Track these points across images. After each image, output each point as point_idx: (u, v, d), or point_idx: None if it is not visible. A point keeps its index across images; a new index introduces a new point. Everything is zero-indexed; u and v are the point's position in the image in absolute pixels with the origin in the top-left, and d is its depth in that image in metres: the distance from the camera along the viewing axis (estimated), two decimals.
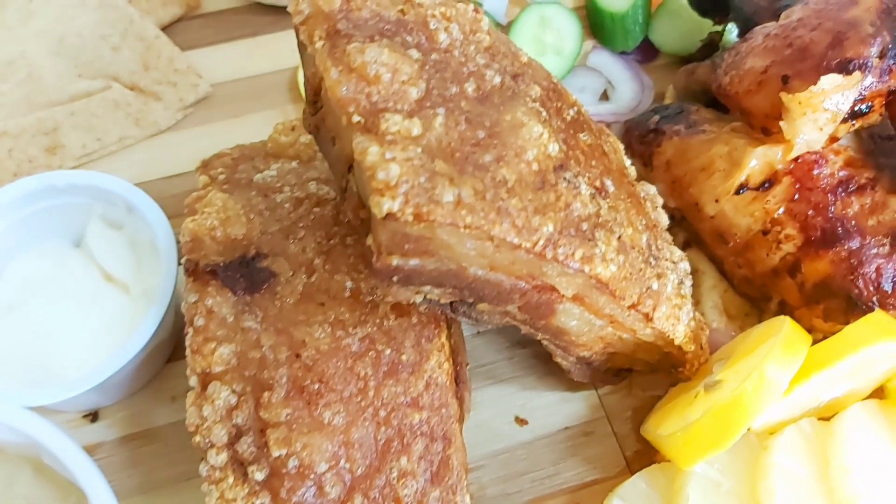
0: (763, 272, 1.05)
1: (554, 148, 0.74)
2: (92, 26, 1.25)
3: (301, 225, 0.87)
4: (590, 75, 1.31)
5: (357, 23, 0.69)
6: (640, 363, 1.02)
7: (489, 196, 0.67)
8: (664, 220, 1.02)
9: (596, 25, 1.37)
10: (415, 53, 0.70)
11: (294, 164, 0.94)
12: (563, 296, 0.79)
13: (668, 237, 1.02)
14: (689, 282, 0.98)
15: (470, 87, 0.72)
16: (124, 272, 1.03)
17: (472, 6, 0.79)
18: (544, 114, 0.78)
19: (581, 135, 0.85)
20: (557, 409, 1.06)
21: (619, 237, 0.80)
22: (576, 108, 0.90)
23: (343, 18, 0.69)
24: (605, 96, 1.32)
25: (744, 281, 1.10)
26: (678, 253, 0.96)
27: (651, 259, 0.86)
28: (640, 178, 1.18)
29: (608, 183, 0.84)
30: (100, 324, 1.00)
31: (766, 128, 1.00)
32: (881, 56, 0.92)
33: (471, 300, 0.78)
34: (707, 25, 1.31)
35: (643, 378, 1.08)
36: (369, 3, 0.70)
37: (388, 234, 0.66)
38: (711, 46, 1.31)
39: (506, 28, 1.34)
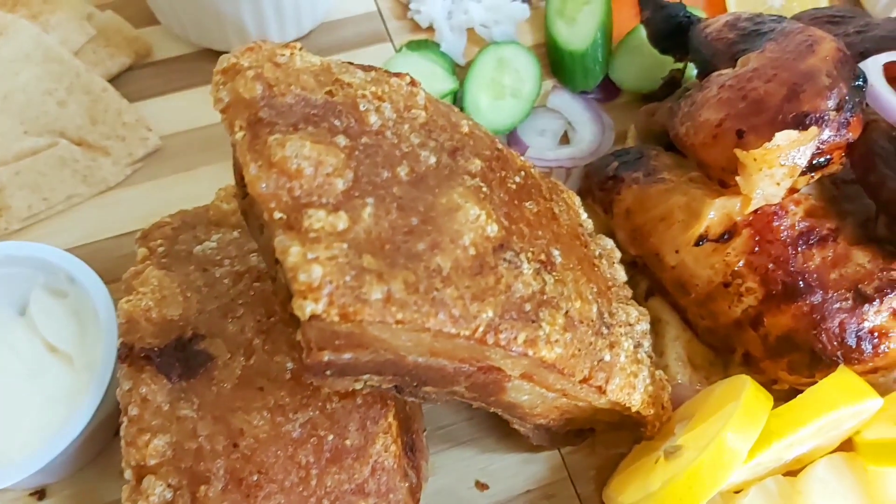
0: (726, 324, 1.03)
1: (493, 228, 0.71)
2: (37, 81, 1.22)
3: (240, 302, 0.84)
4: (550, 117, 1.29)
5: (281, 109, 0.66)
6: (602, 424, 0.99)
7: (423, 287, 0.65)
8: (621, 275, 0.99)
9: (556, 64, 1.34)
10: (342, 140, 0.67)
11: (236, 233, 0.90)
12: (510, 375, 0.76)
13: (627, 292, 1.00)
14: (647, 342, 0.95)
15: (403, 171, 0.69)
16: (68, 343, 1.00)
17: (408, 79, 0.76)
18: (485, 189, 0.76)
19: (527, 203, 0.82)
20: (519, 470, 1.03)
21: (567, 312, 0.77)
22: (523, 173, 0.87)
23: (265, 106, 0.65)
24: (566, 138, 1.29)
25: (707, 332, 1.08)
26: (634, 314, 0.93)
27: (603, 329, 0.83)
28: (601, 224, 1.16)
29: (555, 253, 0.81)
30: (44, 398, 0.97)
31: (723, 181, 0.97)
32: (838, 109, 0.90)
33: (414, 384, 0.75)
34: (668, 62, 1.28)
35: (607, 436, 1.05)
36: (294, 88, 0.67)
37: (316, 331, 0.63)
38: (673, 84, 1.29)
39: (464, 69, 1.31)
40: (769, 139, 0.89)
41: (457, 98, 1.25)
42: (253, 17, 1.22)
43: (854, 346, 0.95)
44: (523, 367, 0.75)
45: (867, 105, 0.98)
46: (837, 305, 0.95)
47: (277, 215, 0.62)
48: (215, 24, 1.23)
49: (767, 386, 1.06)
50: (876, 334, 0.94)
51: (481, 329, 0.68)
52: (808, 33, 0.97)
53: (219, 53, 1.32)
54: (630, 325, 0.92)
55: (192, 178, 1.21)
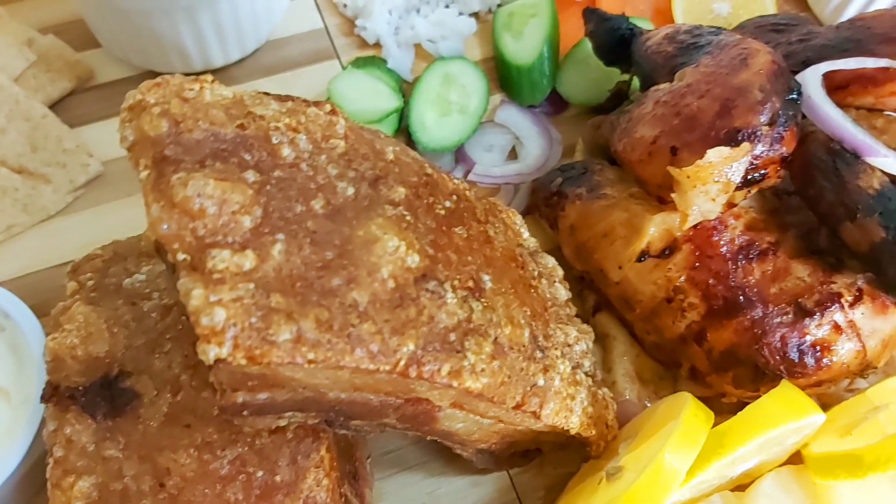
0: (671, 339, 1.02)
1: (414, 259, 0.70)
2: None
3: (168, 336, 0.82)
4: (498, 132, 1.28)
5: (188, 146, 0.64)
6: (548, 444, 0.98)
7: (337, 324, 0.63)
8: (562, 294, 0.98)
9: (503, 79, 1.33)
10: (252, 175, 0.65)
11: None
12: (440, 406, 0.75)
13: (569, 311, 0.99)
14: (588, 362, 0.94)
15: (318, 204, 0.68)
16: (4, 378, 0.98)
17: (327, 108, 0.75)
18: (409, 217, 0.75)
19: (457, 229, 0.81)
20: (467, 493, 1.02)
21: (495, 339, 0.76)
22: (455, 197, 0.86)
23: (172, 143, 0.64)
24: (515, 153, 1.28)
25: (654, 347, 1.07)
26: (574, 333, 0.92)
27: (536, 353, 0.82)
28: (549, 240, 1.16)
29: (486, 278, 0.80)
30: None
31: (660, 197, 0.96)
32: (771, 123, 0.89)
33: (342, 419, 0.74)
34: (615, 74, 1.28)
35: (555, 455, 1.04)
36: (202, 123, 0.65)
37: (226, 374, 0.62)
38: (620, 96, 1.29)
39: (412, 85, 1.30)
40: (702, 156, 0.88)
41: (403, 116, 1.24)
42: (193, 40, 1.21)
43: (797, 360, 0.94)
44: (451, 397, 0.74)
45: (804, 117, 0.98)
46: (778, 320, 0.94)
47: (181, 256, 0.60)
48: (155, 47, 1.22)
49: (716, 399, 1.06)
50: (818, 348, 0.94)
51: (403, 363, 0.67)
52: (742, 46, 0.97)
53: (162, 75, 1.32)
54: (568, 345, 0.91)
55: (135, 204, 1.17)
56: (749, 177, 0.91)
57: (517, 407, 0.79)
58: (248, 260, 0.61)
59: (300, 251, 0.64)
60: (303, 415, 0.72)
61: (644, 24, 1.33)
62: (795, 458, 0.99)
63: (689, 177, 0.89)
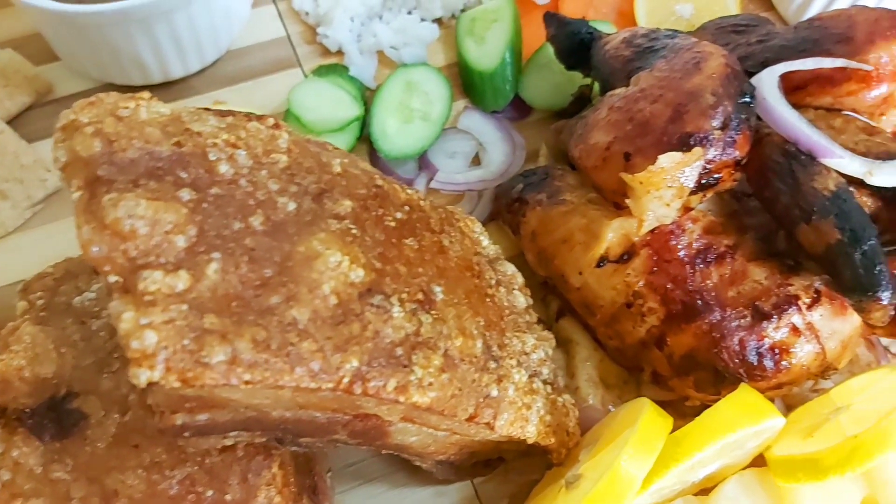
0: (632, 344, 1.02)
1: (358, 273, 0.70)
2: None
3: (116, 356, 0.81)
4: (461, 138, 1.27)
5: (122, 165, 0.64)
6: (510, 453, 0.98)
7: (275, 344, 0.63)
8: (521, 302, 0.98)
9: (467, 84, 1.33)
10: (187, 194, 0.64)
11: None
12: (390, 420, 0.74)
13: (530, 318, 0.99)
14: (546, 369, 0.94)
15: (257, 221, 0.67)
16: None
17: (270, 121, 0.74)
18: (355, 230, 0.74)
19: (408, 240, 0.81)
20: None
21: (445, 352, 0.75)
22: (407, 208, 0.85)
23: (105, 163, 0.63)
24: (479, 159, 1.28)
25: (616, 351, 1.07)
26: (531, 341, 0.92)
27: (490, 363, 0.82)
28: (513, 245, 1.15)
29: (437, 290, 0.79)
30: None
31: (616, 203, 0.96)
32: (724, 127, 0.89)
33: (289, 437, 0.74)
34: (578, 78, 1.27)
35: (519, 462, 1.03)
36: (136, 142, 0.65)
37: (163, 396, 0.61)
38: (582, 100, 1.28)
39: (375, 92, 1.29)
40: (654, 161, 0.88)
41: (365, 124, 1.23)
42: (150, 52, 1.20)
43: (756, 364, 0.94)
44: (401, 411, 0.74)
45: (760, 119, 0.98)
46: (736, 323, 0.94)
47: (113, 279, 0.59)
48: (113, 61, 1.21)
49: (679, 403, 1.05)
50: (777, 350, 0.94)
51: (347, 380, 0.67)
52: (696, 50, 0.97)
53: (121, 88, 1.31)
54: (525, 353, 0.91)
55: None
56: (703, 181, 0.91)
57: (470, 419, 0.79)
58: (181, 280, 0.60)
59: (237, 269, 0.64)
60: (248, 434, 0.71)
61: (606, 28, 1.33)
62: (760, 461, 0.99)
63: (641, 183, 0.88)
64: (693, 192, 0.92)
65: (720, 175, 0.92)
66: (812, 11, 1.40)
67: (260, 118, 0.75)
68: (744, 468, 0.99)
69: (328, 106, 1.19)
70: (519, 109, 1.31)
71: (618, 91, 1.00)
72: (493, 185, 1.22)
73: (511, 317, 0.94)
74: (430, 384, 0.72)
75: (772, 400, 1.04)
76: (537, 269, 1.12)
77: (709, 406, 0.94)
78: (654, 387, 1.07)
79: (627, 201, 0.93)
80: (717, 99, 0.89)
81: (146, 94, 0.71)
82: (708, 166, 0.89)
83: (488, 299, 0.89)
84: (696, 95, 0.89)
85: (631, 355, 1.04)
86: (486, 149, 1.27)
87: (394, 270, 0.75)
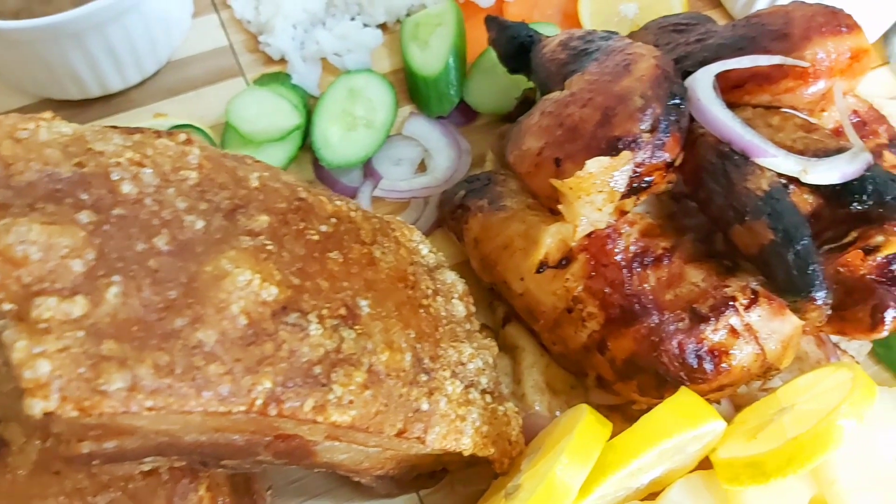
0: (575, 349, 1.01)
1: (271, 292, 0.68)
2: None
3: None
4: (406, 145, 1.26)
5: (20, 188, 0.62)
6: (453, 464, 0.96)
7: (179, 368, 0.61)
8: (460, 310, 0.97)
9: (412, 90, 1.31)
10: (85, 217, 0.63)
11: None
12: (314, 440, 0.73)
13: (469, 326, 0.98)
14: (486, 378, 0.93)
15: (162, 241, 0.66)
16: None
17: (181, 137, 0.73)
18: (270, 247, 0.72)
19: (332, 254, 0.79)
20: None
21: (370, 368, 0.74)
22: (334, 220, 0.84)
23: (2, 187, 0.61)
24: (425, 165, 1.26)
25: (561, 357, 1.06)
26: (468, 351, 0.90)
27: (421, 376, 0.81)
28: (461, 252, 1.14)
29: (363, 304, 0.78)
30: None
31: (552, 208, 0.95)
32: (652, 130, 0.88)
33: (212, 460, 0.72)
34: (523, 82, 1.26)
35: (466, 472, 1.02)
36: (35, 164, 0.63)
37: (65, 425, 0.59)
38: (527, 103, 1.26)
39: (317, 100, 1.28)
40: (584, 167, 0.87)
41: (307, 133, 1.22)
42: (86, 66, 1.18)
43: (695, 366, 0.93)
44: (323, 431, 0.72)
45: (694, 120, 0.97)
46: (674, 326, 0.93)
47: (7, 307, 0.58)
48: (48, 75, 1.19)
49: (626, 407, 1.05)
50: (716, 352, 0.93)
51: (260, 402, 0.65)
52: (627, 52, 0.96)
53: (60, 103, 1.29)
54: (462, 364, 0.89)
55: None
56: (634, 185, 0.90)
57: (399, 434, 0.77)
58: (77, 306, 0.59)
59: (139, 293, 0.62)
60: (165, 459, 0.69)
61: (550, 30, 1.32)
62: (707, 464, 0.98)
63: (571, 188, 0.87)
64: (625, 196, 0.91)
65: (652, 178, 0.91)
66: (758, 6, 1.40)
67: (170, 134, 0.73)
68: (691, 471, 0.98)
69: (267, 116, 1.17)
70: (465, 114, 1.30)
71: (552, 95, 0.99)
72: (438, 191, 1.20)
73: (448, 326, 0.92)
74: (351, 402, 0.70)
75: (717, 401, 1.04)
76: (482, 276, 1.11)
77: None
78: (601, 391, 1.06)
79: (560, 207, 0.92)
80: (645, 101, 0.88)
81: (48, 115, 0.69)
82: (638, 170, 0.89)
83: (422, 310, 0.88)
84: (625, 98, 0.88)
85: (575, 360, 1.04)
86: (431, 155, 1.25)
87: (314, 286, 0.74)
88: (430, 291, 0.93)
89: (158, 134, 0.73)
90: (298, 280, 0.73)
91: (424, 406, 0.80)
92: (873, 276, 1.03)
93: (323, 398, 0.69)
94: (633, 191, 0.91)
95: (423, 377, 0.81)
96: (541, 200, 0.96)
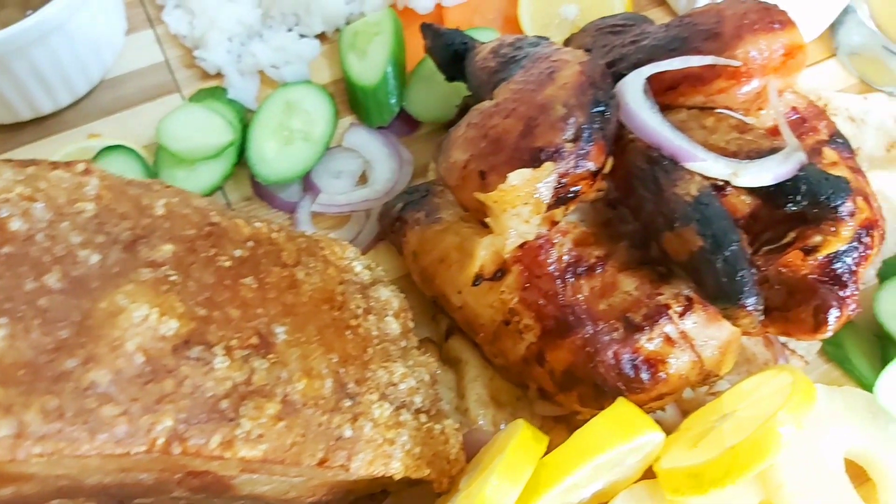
0: (515, 361, 1.00)
1: (171, 326, 0.66)
2: None
3: None
4: (346, 157, 1.24)
5: None
6: (392, 485, 0.94)
7: (70, 412, 0.59)
8: (394, 328, 0.95)
9: (352, 101, 1.29)
10: None
11: None
12: (228, 475, 0.71)
13: (405, 343, 0.96)
14: (420, 398, 0.91)
15: (53, 278, 0.63)
16: None
17: (80, 167, 0.70)
18: (174, 277, 0.70)
19: (245, 280, 0.77)
20: None
21: (284, 398, 0.72)
22: (251, 244, 0.82)
23: None
24: (366, 177, 1.24)
25: (503, 369, 1.05)
26: (400, 370, 0.88)
27: (344, 401, 0.79)
28: (403, 266, 1.12)
29: (279, 330, 0.76)
30: None
31: (481, 221, 0.93)
32: (575, 139, 0.86)
33: (126, 499, 0.70)
34: (463, 89, 1.24)
35: (407, 493, 1.00)
36: None
37: None
38: (467, 111, 1.25)
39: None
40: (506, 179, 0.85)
41: (242, 149, 1.19)
42: (12, 89, 1.15)
43: (632, 376, 0.92)
44: (236, 465, 0.70)
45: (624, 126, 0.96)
46: (608, 337, 0.92)
47: None
48: None
49: (571, 417, 1.03)
50: (652, 362, 0.92)
51: (161, 441, 0.63)
52: (553, 59, 0.94)
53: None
54: (393, 384, 0.88)
55: None
56: (560, 195, 0.88)
57: (321, 464, 0.75)
58: None
59: (28, 334, 0.60)
60: (71, 501, 0.67)
61: (490, 35, 1.30)
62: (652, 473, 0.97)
63: (496, 202, 0.85)
64: (552, 207, 0.90)
65: (578, 188, 0.89)
66: (700, 2, 1.38)
67: (68, 165, 0.71)
68: (637, 481, 0.97)
69: (199, 133, 1.15)
70: (407, 124, 1.28)
71: (479, 105, 0.97)
72: (378, 204, 1.18)
73: (380, 346, 0.90)
74: (261, 436, 0.68)
75: (662, 408, 1.02)
76: (423, 289, 1.09)
77: None
78: (545, 402, 1.04)
79: (488, 220, 0.90)
80: (567, 110, 0.86)
81: None
82: (563, 180, 0.87)
83: (349, 332, 0.86)
84: (547, 108, 0.87)
85: (516, 373, 1.02)
86: (372, 166, 1.23)
87: (223, 316, 0.72)
88: (360, 311, 0.91)
89: (55, 165, 0.70)
90: (205, 310, 0.70)
91: (347, 433, 0.78)
92: (816, 276, 1.02)
93: (230, 433, 0.67)
94: (560, 201, 0.89)
95: (347, 402, 0.79)
96: (471, 213, 0.94)
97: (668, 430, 1.02)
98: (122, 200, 0.72)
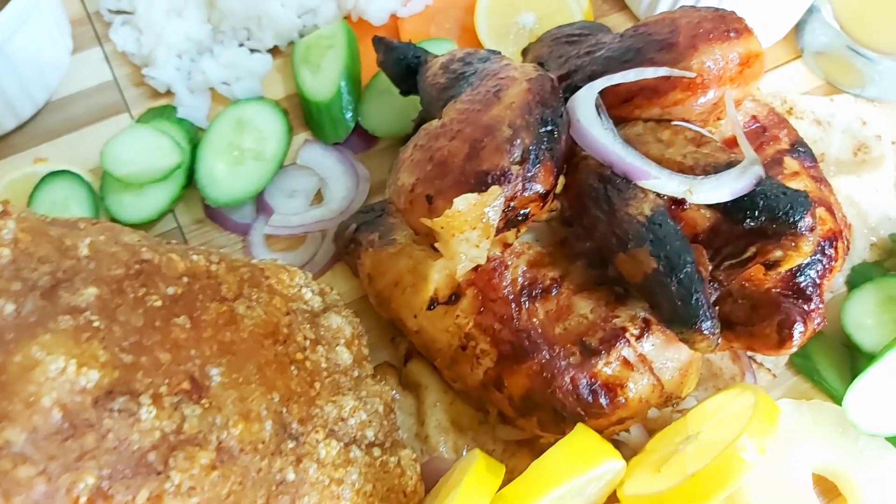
0: (474, 386, 0.97)
1: (90, 378, 0.63)
2: None
3: None
4: (301, 175, 1.20)
5: None
6: None
7: None
8: (344, 358, 0.92)
9: (306, 116, 1.26)
10: None
11: None
12: None
13: (359, 372, 0.93)
14: (372, 431, 0.88)
15: None
16: None
17: None
18: (98, 323, 0.67)
19: (178, 319, 0.74)
20: None
21: (219, 445, 0.69)
22: (185, 279, 0.78)
23: None
24: (321, 196, 1.21)
25: (463, 394, 1.02)
26: (350, 404, 0.85)
27: (287, 443, 0.76)
28: (360, 286, 1.09)
29: (214, 372, 0.73)
30: None
31: (432, 245, 0.90)
32: (523, 161, 0.83)
33: None
34: (419, 102, 1.20)
35: None
36: None
37: None
38: (426, 121, 1.21)
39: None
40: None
41: (191, 171, 1.16)
42: None
43: (591, 402, 0.89)
44: None
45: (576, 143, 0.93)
46: (565, 362, 0.89)
47: None
48: None
49: (535, 440, 1.00)
50: (610, 386, 0.89)
51: (83, 500, 0.60)
52: (500, 76, 0.91)
53: None
54: (342, 419, 0.84)
55: None
56: (510, 218, 0.85)
57: None
58: None
59: None
60: None
61: (446, 46, 1.26)
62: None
63: (442, 227, 0.82)
64: (503, 230, 0.87)
65: (528, 210, 0.86)
66: (661, 8, 1.35)
67: None
68: None
69: (146, 156, 1.11)
70: (363, 139, 1.25)
71: (427, 125, 0.94)
72: (334, 224, 1.15)
73: (329, 379, 0.87)
74: (192, 488, 0.65)
75: (627, 430, 0.99)
76: (379, 312, 1.06)
77: None
78: (507, 426, 1.02)
79: (437, 245, 0.87)
80: (513, 131, 0.83)
81: None
82: (511, 203, 0.84)
83: (294, 367, 0.83)
84: (493, 129, 0.84)
85: (476, 397, 0.99)
86: (327, 184, 1.20)
87: (151, 361, 0.68)
88: (307, 342, 0.88)
89: None
90: (131, 357, 0.67)
91: (290, 476, 0.75)
92: (779, 290, 1.00)
93: (159, 487, 0.63)
94: (509, 224, 0.86)
95: (290, 444, 0.76)
96: (421, 237, 0.91)
97: (634, 449, 1.00)
98: (41, 243, 0.69)
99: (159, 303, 0.74)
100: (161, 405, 0.67)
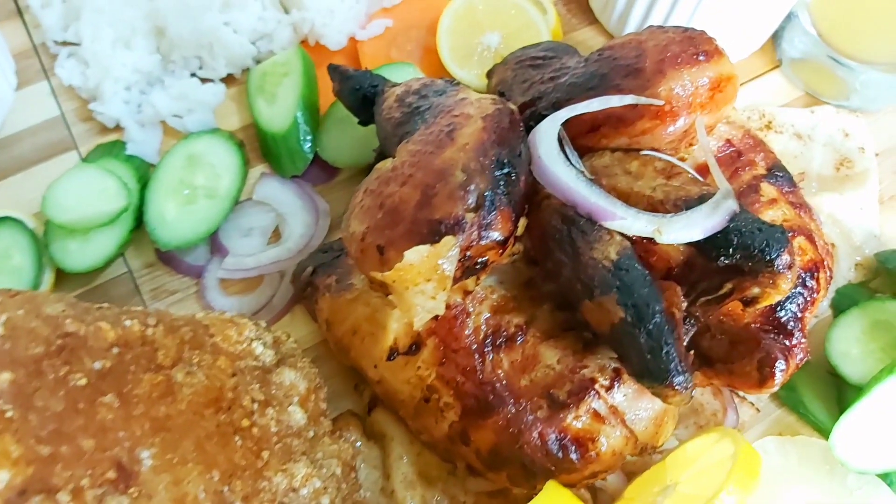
0: (440, 439, 0.91)
1: (2, 478, 0.57)
2: None
3: None
4: (257, 211, 1.15)
5: None
6: None
7: None
8: (297, 419, 0.86)
9: (263, 148, 1.20)
10: None
11: None
12: None
13: (314, 430, 0.87)
14: (327, 498, 0.82)
15: None
16: None
17: None
18: (11, 413, 0.61)
19: (105, 398, 0.68)
20: None
21: None
22: (115, 350, 0.72)
23: None
24: (279, 233, 1.15)
25: (429, 446, 0.96)
26: (302, 472, 0.80)
27: None
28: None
29: (144, 455, 0.67)
30: None
31: (387, 295, 0.84)
32: (477, 208, 0.78)
33: None
34: None
35: None
36: None
37: None
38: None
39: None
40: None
41: (140, 212, 1.10)
42: None
43: (561, 457, 0.84)
44: None
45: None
46: (532, 416, 0.84)
47: None
48: None
49: (508, 491, 0.95)
50: (581, 440, 0.84)
51: None
52: (455, 113, 0.85)
53: None
54: (294, 490, 0.79)
55: None
56: (467, 266, 0.80)
57: None
58: None
59: None
60: None
61: (408, 72, 1.21)
62: None
63: (394, 281, 0.77)
64: (460, 279, 0.81)
65: (486, 258, 0.80)
66: (631, 23, 1.30)
67: None
68: None
69: (90, 200, 1.05)
70: (323, 171, 1.19)
71: (380, 165, 0.88)
72: (291, 264, 1.09)
73: (279, 445, 0.81)
74: None
75: (604, 478, 0.94)
76: (340, 359, 1.01)
77: (534, 495, 0.85)
78: (476, 478, 0.96)
79: (391, 298, 0.81)
80: (468, 176, 0.78)
81: None
82: (467, 252, 0.78)
83: (239, 436, 0.77)
84: (445, 174, 0.78)
85: (442, 449, 0.94)
86: (286, 220, 1.14)
87: (72, 450, 0.63)
88: (255, 406, 0.82)
89: None
90: (49, 448, 0.61)
91: None
92: (759, 325, 0.95)
93: None
94: (468, 272, 0.81)
95: None
96: (375, 286, 0.86)
97: (612, 495, 0.96)
98: None
99: (84, 381, 0.68)
100: (83, 500, 0.61)
